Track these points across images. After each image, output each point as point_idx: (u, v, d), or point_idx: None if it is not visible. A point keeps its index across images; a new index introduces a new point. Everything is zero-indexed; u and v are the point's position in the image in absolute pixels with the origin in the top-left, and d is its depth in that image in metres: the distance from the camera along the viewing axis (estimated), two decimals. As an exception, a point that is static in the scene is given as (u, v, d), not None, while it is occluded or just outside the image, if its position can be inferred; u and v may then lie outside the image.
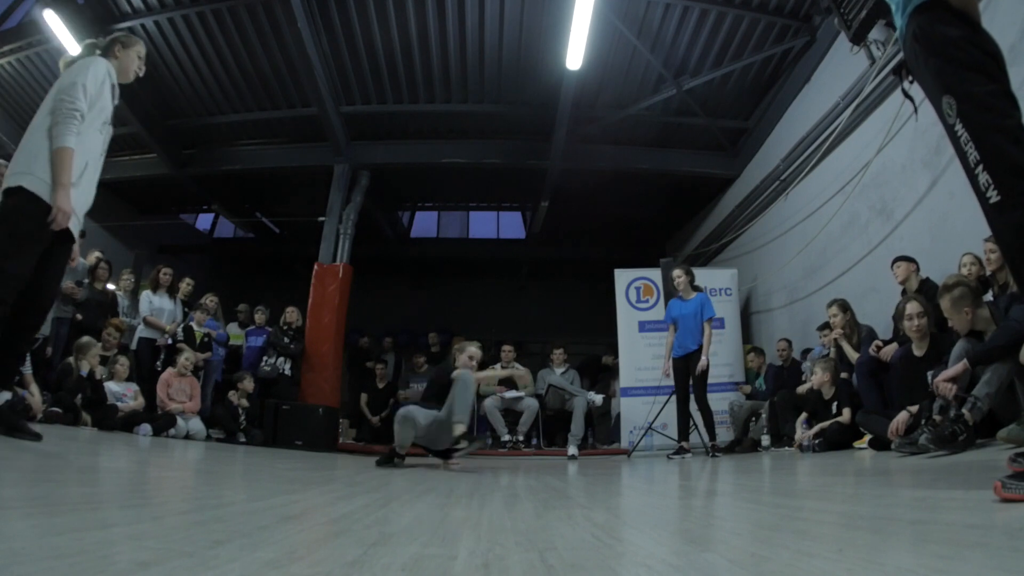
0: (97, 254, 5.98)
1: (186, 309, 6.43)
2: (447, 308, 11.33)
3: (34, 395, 4.28)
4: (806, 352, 5.84)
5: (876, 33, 4.10)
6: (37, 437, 2.65)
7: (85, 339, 4.96)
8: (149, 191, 9.96)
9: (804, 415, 4.70)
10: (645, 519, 1.65)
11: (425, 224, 12.76)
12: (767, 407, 5.43)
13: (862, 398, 4.25)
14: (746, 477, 3.13)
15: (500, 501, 1.92)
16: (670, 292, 6.00)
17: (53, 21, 5.96)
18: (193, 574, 0.76)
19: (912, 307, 3.69)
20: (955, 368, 2.96)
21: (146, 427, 5.04)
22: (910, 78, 1.63)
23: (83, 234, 3.11)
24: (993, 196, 1.34)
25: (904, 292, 4.30)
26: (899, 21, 1.59)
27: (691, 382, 5.13)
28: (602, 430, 7.95)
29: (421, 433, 3.78)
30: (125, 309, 6.13)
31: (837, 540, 1.09)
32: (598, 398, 6.68)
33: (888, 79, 4.84)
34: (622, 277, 7.42)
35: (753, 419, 5.81)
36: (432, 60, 7.19)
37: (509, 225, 12.67)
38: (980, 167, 1.36)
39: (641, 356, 7.06)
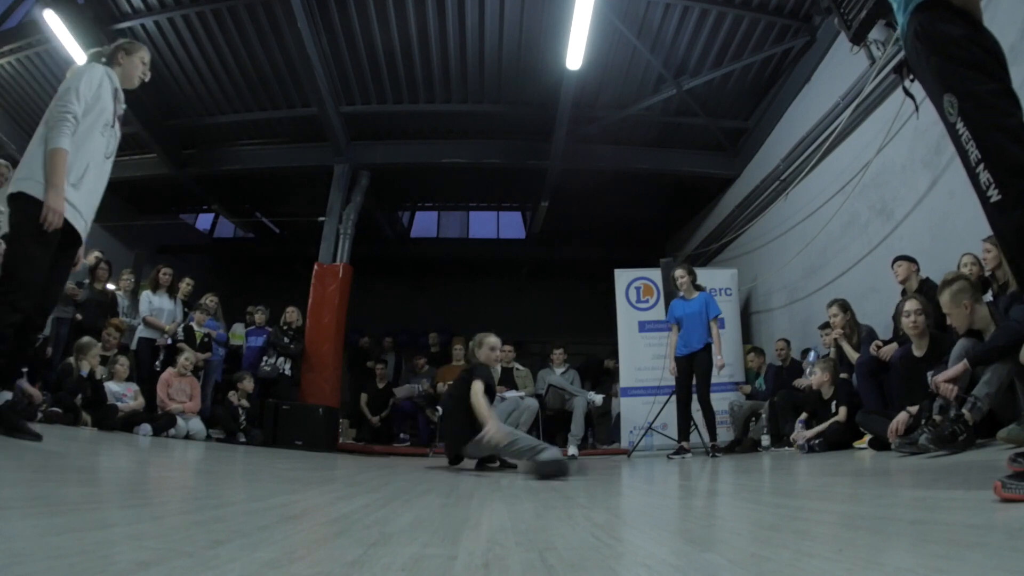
0: (97, 254, 5.98)
1: (186, 309, 6.43)
2: (447, 308, 11.33)
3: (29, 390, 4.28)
4: (805, 352, 5.84)
5: (876, 33, 4.09)
6: (37, 437, 2.65)
7: (85, 339, 4.97)
8: (149, 191, 9.96)
9: (804, 415, 4.70)
10: (645, 519, 1.65)
11: (425, 224, 12.77)
12: (767, 407, 5.43)
13: (862, 398, 4.24)
14: (746, 477, 3.13)
15: (500, 501, 1.92)
16: (670, 292, 6.00)
17: (53, 21, 5.96)
18: (193, 574, 0.76)
19: (910, 304, 3.69)
20: (955, 368, 2.96)
21: (146, 427, 5.04)
22: (911, 77, 1.63)
23: None
24: (994, 195, 1.34)
25: (904, 292, 4.30)
26: (900, 19, 1.59)
27: (694, 382, 5.13)
28: (602, 430, 7.96)
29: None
30: (125, 309, 6.13)
31: (837, 540, 1.09)
32: (598, 398, 6.68)
33: (888, 79, 4.84)
34: (622, 277, 7.42)
35: (753, 419, 5.81)
36: (432, 60, 7.19)
37: (509, 225, 12.67)
38: (981, 166, 1.35)
39: (641, 356, 7.07)
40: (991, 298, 3.44)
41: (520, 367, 6.84)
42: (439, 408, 7.00)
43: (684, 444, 5.12)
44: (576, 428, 5.97)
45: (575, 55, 6.10)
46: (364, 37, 6.91)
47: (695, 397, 5.12)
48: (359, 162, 8.33)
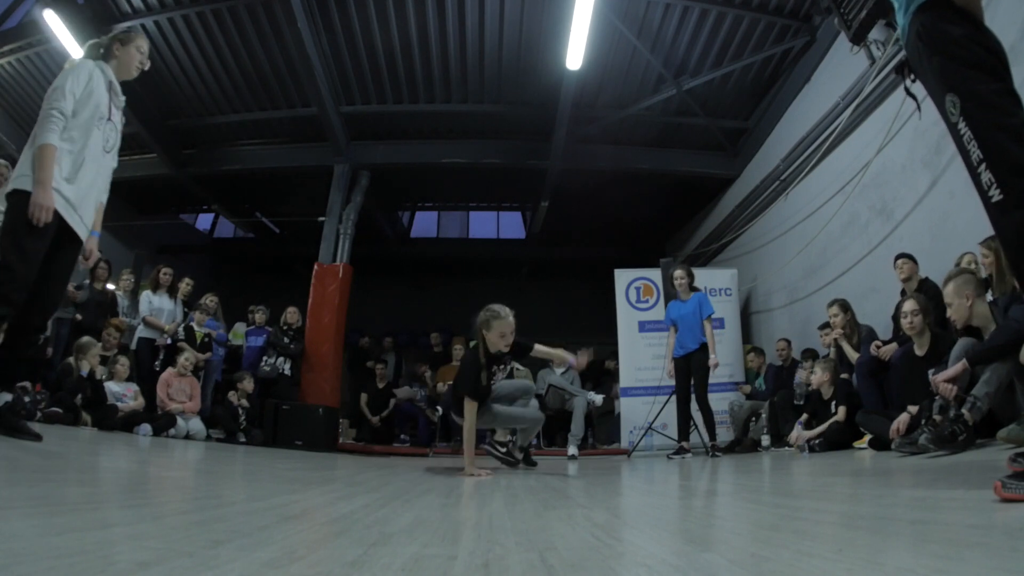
0: (97, 254, 5.97)
1: (186, 309, 6.43)
2: (447, 308, 11.28)
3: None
4: (806, 352, 5.84)
5: (876, 33, 4.08)
6: (37, 437, 2.65)
7: (85, 339, 4.96)
8: (149, 191, 9.95)
9: (804, 416, 4.70)
10: (645, 519, 1.65)
11: (425, 224, 12.76)
12: (767, 407, 5.43)
13: (862, 398, 4.24)
14: (746, 477, 3.13)
15: (500, 501, 1.92)
16: (670, 292, 6.00)
17: (53, 21, 5.96)
18: (193, 574, 0.76)
19: (908, 304, 3.69)
20: (955, 368, 2.96)
21: (146, 427, 5.04)
22: (912, 76, 1.62)
23: None
24: (995, 195, 1.33)
25: (904, 291, 4.30)
26: (902, 20, 1.58)
27: (692, 382, 5.13)
28: (602, 430, 7.95)
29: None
30: (125, 309, 6.13)
31: (837, 540, 1.09)
32: (598, 398, 6.68)
33: (888, 79, 4.84)
34: (622, 277, 7.43)
35: (753, 419, 5.81)
36: (432, 60, 7.19)
37: (509, 225, 12.67)
38: (983, 166, 1.35)
39: (641, 356, 7.07)
40: (991, 298, 3.43)
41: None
42: (439, 408, 7.01)
43: (684, 444, 5.13)
44: (576, 428, 5.96)
45: (575, 55, 6.11)
46: (364, 37, 6.91)
47: (694, 397, 5.13)
48: (359, 162, 8.33)
